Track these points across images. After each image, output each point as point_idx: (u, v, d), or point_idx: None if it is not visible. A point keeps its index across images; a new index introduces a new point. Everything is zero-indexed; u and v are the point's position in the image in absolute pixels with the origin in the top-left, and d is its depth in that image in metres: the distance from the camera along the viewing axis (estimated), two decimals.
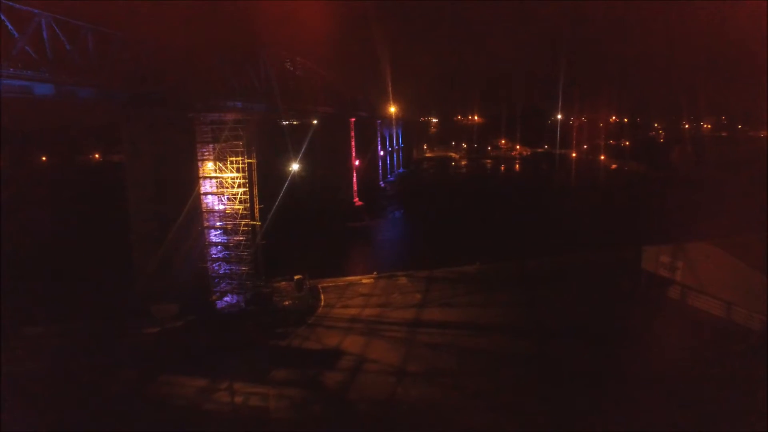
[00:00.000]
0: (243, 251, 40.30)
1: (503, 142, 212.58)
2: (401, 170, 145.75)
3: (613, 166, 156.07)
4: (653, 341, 33.33)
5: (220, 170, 39.59)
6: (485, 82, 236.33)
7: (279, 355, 32.32)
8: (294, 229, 63.45)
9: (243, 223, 39.97)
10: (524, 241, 60.96)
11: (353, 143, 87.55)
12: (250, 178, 39.85)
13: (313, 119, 77.69)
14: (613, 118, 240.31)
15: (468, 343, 33.72)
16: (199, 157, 38.59)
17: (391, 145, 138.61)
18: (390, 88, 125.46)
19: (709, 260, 36.83)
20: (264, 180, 73.35)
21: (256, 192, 40.20)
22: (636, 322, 36.28)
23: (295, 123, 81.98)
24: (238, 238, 40.04)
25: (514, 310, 39.68)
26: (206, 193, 39.36)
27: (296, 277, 43.58)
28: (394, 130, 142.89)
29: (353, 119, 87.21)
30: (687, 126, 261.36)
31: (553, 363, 31.30)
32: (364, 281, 46.48)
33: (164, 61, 37.12)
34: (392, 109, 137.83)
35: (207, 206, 39.57)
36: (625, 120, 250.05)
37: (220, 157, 39.32)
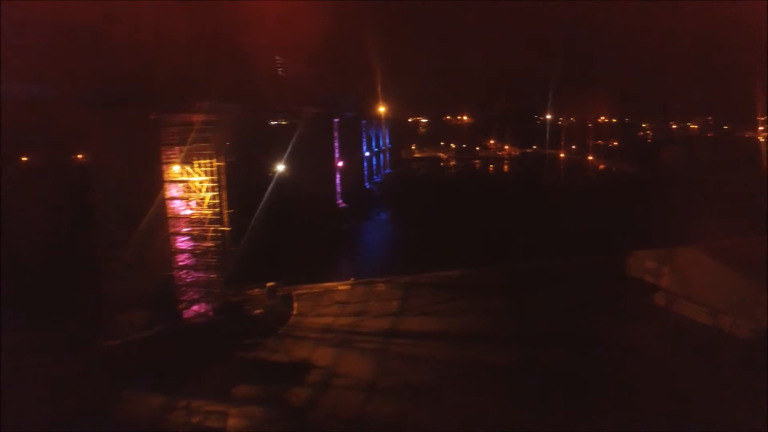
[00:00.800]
0: (212, 258, 38.53)
1: (492, 142, 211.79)
2: (388, 171, 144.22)
3: (602, 167, 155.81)
4: (637, 351, 32.21)
5: (188, 174, 37.77)
6: (475, 82, 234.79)
7: (244, 369, 30.60)
8: (275, 232, 61.93)
9: (212, 228, 38.20)
10: (510, 245, 59.86)
11: (337, 144, 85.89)
12: (219, 181, 38.07)
13: (296, 120, 76.01)
14: (602, 118, 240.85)
15: (445, 355, 32.22)
16: (164, 160, 36.74)
17: (378, 145, 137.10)
18: (377, 88, 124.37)
19: (694, 266, 35.70)
20: (246, 182, 71.83)
21: (225, 196, 38.37)
22: (620, 330, 35.11)
23: (283, 123, 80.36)
24: (206, 244, 38.26)
25: (496, 318, 38.26)
26: (172, 198, 37.51)
27: (269, 284, 41.94)
28: (381, 131, 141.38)
29: (337, 120, 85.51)
30: (674, 126, 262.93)
31: (535, 374, 29.90)
32: (340, 288, 44.83)
33: (127, 60, 35.24)
34: (379, 110, 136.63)
35: (173, 211, 37.70)
36: (614, 120, 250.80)
37: (187, 160, 37.50)
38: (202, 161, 37.69)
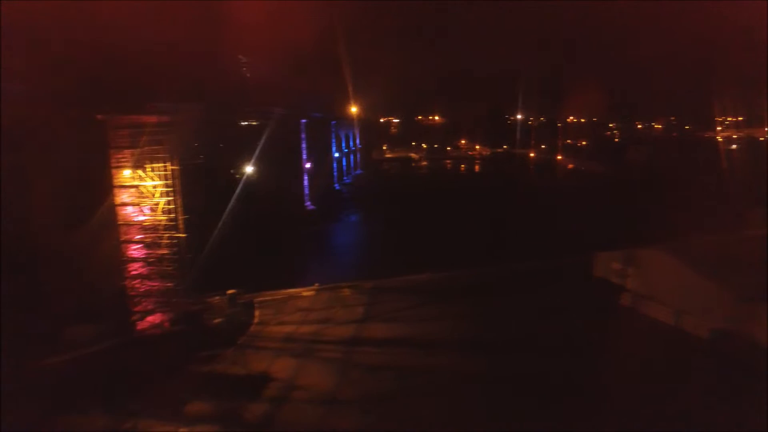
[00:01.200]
0: (167, 266, 36.78)
1: (463, 142, 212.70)
2: (359, 172, 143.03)
3: (570, 166, 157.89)
4: (604, 354, 31.97)
5: (140, 178, 35.93)
6: (446, 82, 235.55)
7: (198, 383, 29.02)
8: (239, 236, 60.02)
9: (167, 235, 36.47)
10: (478, 247, 59.48)
11: (304, 145, 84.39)
12: (174, 186, 36.33)
13: (262, 120, 74.27)
14: (572, 118, 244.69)
15: (410, 363, 31.36)
16: (114, 164, 34.85)
17: (348, 146, 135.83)
18: (347, 89, 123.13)
19: (657, 267, 35.77)
20: (210, 184, 69.69)
21: (180, 201, 36.63)
22: (587, 333, 34.91)
23: (249, 125, 78.44)
24: (161, 251, 36.50)
25: (463, 323, 37.53)
26: (123, 204, 35.62)
27: (229, 292, 40.39)
28: (352, 131, 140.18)
29: (304, 120, 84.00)
30: (640, 126, 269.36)
31: (503, 381, 29.32)
32: (304, 294, 43.55)
33: (73, 57, 33.33)
34: (350, 110, 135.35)
35: (125, 218, 35.81)
36: (583, 120, 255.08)
37: (139, 164, 35.67)
38: (155, 165, 35.90)
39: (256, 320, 38.47)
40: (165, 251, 36.65)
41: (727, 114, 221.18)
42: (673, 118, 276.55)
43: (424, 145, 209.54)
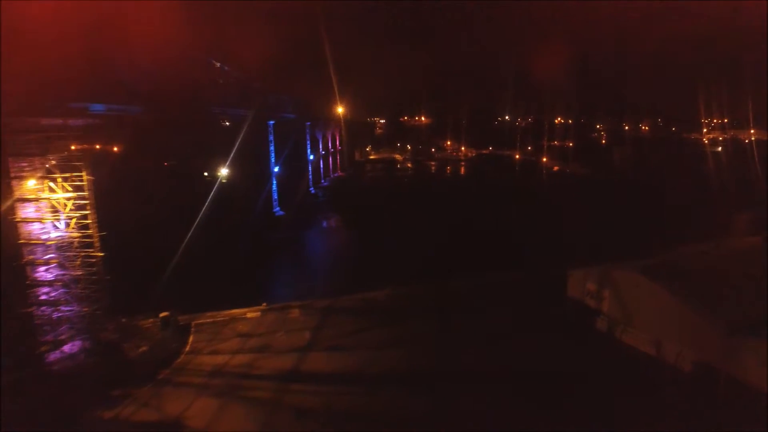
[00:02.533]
0: (84, 289, 32.46)
1: (448, 143, 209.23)
2: (338, 174, 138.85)
3: (555, 168, 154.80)
4: (576, 387, 28.17)
5: (50, 190, 31.53)
6: (431, 82, 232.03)
7: None
8: (196, 247, 55.85)
9: (83, 254, 32.15)
10: (451, 257, 55.69)
11: (272, 148, 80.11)
12: (89, 198, 32.00)
13: (224, 122, 70.04)
14: (559, 119, 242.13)
15: (348, 404, 27.34)
16: (14, 174, 30.42)
17: (327, 147, 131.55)
18: (327, 89, 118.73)
19: (634, 289, 32.00)
20: (166, 191, 65.40)
21: (94, 216, 32.26)
22: (557, 362, 31.07)
23: (215, 127, 74.06)
24: (76, 273, 32.15)
25: (419, 350, 33.53)
26: (28, 220, 31.18)
27: (162, 314, 36.21)
28: (332, 132, 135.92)
29: (272, 122, 79.69)
30: (627, 128, 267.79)
31: (458, 424, 25.39)
32: (249, 315, 39.35)
33: None
34: (330, 110, 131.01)
35: (30, 235, 31.37)
36: (570, 121, 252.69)
37: (48, 174, 31.30)
38: (68, 174, 31.55)
39: (187, 348, 34.26)
40: (81, 272, 32.33)
41: (712, 115, 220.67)
42: (659, 119, 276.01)
43: (409, 146, 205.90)
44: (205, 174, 69.09)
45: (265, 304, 40.99)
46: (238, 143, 71.46)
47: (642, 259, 36.42)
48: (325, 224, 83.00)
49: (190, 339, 35.44)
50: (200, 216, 61.12)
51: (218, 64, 61.73)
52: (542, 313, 37.69)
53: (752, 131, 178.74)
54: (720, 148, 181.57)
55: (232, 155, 71.73)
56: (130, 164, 70.88)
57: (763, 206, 61.81)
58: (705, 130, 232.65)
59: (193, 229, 58.77)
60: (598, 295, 34.52)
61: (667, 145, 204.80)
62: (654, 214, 70.73)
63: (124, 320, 36.98)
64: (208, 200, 64.45)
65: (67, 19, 35.01)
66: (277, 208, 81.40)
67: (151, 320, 37.13)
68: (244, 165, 75.35)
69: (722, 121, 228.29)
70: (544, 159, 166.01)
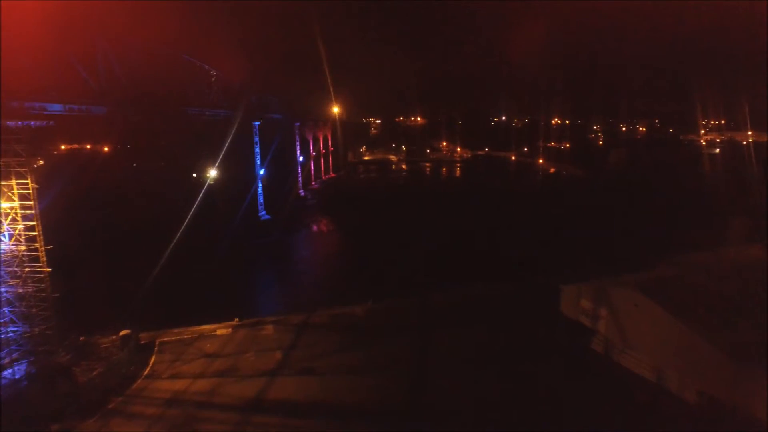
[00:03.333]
0: (32, 307, 29.64)
1: (444, 144, 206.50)
2: (330, 176, 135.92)
3: (552, 170, 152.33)
4: (572, 418, 25.49)
5: None
6: (427, 82, 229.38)
7: None
8: (174, 254, 53.14)
9: (27, 270, 29.33)
10: (440, 265, 53.17)
11: (258, 149, 77.22)
12: (35, 209, 29.20)
13: (205, 123, 67.09)
14: (555, 120, 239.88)
15: None
16: None
17: (317, 149, 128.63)
18: (320, 89, 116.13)
19: (633, 308, 29.31)
20: (145, 195, 62.62)
21: (40, 228, 29.43)
22: (551, 390, 28.28)
23: (197, 128, 71.15)
24: (20, 290, 29.32)
25: (395, 376, 30.52)
26: None
27: (123, 332, 33.39)
28: (322, 133, 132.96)
29: (258, 123, 76.78)
30: (624, 128, 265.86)
31: None
32: (219, 332, 36.54)
33: None
34: (322, 110, 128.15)
35: None
36: (567, 122, 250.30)
37: None
38: (13, 182, 28.74)
39: (146, 371, 31.45)
40: (29, 289, 29.51)
41: (709, 117, 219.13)
42: (656, 120, 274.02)
43: (403, 147, 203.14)
44: (185, 178, 66.09)
45: (237, 319, 38.21)
46: (220, 145, 68.71)
47: (639, 272, 33.85)
48: (311, 229, 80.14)
49: (152, 360, 32.63)
50: (178, 222, 58.43)
51: (197, 63, 58.96)
52: (533, 333, 34.92)
53: (750, 133, 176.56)
54: (717, 150, 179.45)
55: (213, 158, 68.95)
56: (103, 168, 68.14)
57: (762, 211, 59.40)
58: (702, 131, 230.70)
59: (170, 235, 56.08)
60: (593, 313, 31.83)
61: (664, 146, 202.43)
62: (650, 218, 68.28)
63: (82, 338, 34.20)
64: (188, 205, 61.73)
65: (25, 15, 32.32)
66: (263, 212, 78.50)
67: (112, 338, 34.29)
68: (227, 168, 72.41)
69: (719, 122, 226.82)
70: (541, 161, 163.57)
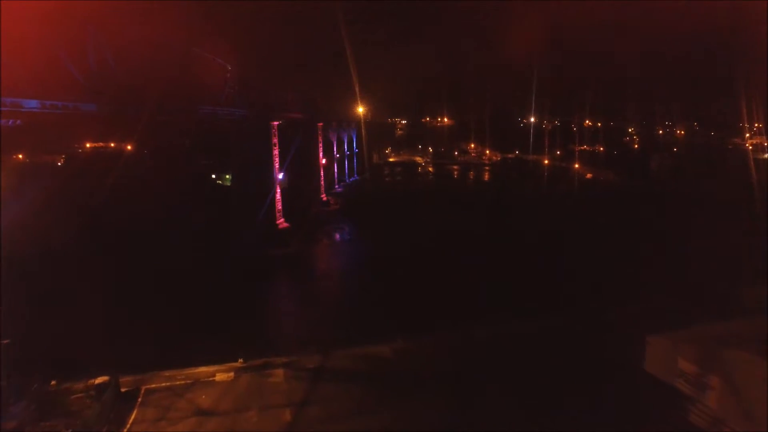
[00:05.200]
0: None
1: (472, 146, 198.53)
2: (354, 178, 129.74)
3: (588, 176, 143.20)
4: None
5: None
6: (455, 82, 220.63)
7: None
8: (182, 265, 47.90)
9: None
10: (480, 289, 46.14)
11: (277, 151, 71.12)
12: None
13: (219, 123, 61.45)
14: (587, 122, 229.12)
15: None
16: None
17: (342, 150, 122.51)
18: (344, 88, 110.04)
19: (759, 382, 21.79)
20: (151, 202, 57.39)
21: None
22: None
23: (209, 129, 65.74)
24: None
25: None
26: None
27: (98, 380, 27.40)
28: (346, 134, 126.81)
29: (277, 123, 70.70)
30: (661, 132, 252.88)
31: None
32: (218, 377, 30.31)
33: None
34: (347, 110, 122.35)
35: None
36: (599, 124, 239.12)
37: None
38: None
39: (126, 429, 25.37)
40: None
41: (753, 119, 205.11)
42: (696, 123, 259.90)
43: (430, 149, 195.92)
44: (194, 183, 60.72)
45: (241, 360, 31.93)
46: (234, 148, 63.08)
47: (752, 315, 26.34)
48: (333, 238, 73.77)
49: (132, 416, 26.56)
50: (186, 230, 53.04)
51: (210, 57, 53.26)
52: (609, 396, 27.52)
53: None
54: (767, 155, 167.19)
55: (226, 161, 63.33)
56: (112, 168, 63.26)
57: None
58: (747, 135, 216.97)
59: (175, 245, 50.74)
60: (699, 381, 24.32)
61: (708, 151, 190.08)
62: (717, 236, 59.71)
63: (53, 383, 28.44)
64: (197, 211, 56.28)
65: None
66: (281, 220, 72.43)
67: (87, 383, 28.34)
68: (242, 171, 66.83)
69: (762, 125, 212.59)
70: (576, 165, 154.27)
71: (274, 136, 70.69)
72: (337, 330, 37.41)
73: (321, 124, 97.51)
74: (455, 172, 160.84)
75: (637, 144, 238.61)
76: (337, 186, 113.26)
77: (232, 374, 30.61)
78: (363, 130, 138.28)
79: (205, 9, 55.17)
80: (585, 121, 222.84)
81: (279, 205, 72.00)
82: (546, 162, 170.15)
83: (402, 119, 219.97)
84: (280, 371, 30.89)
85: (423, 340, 34.79)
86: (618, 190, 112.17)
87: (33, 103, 30.42)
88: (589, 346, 33.06)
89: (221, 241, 58.64)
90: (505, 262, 53.34)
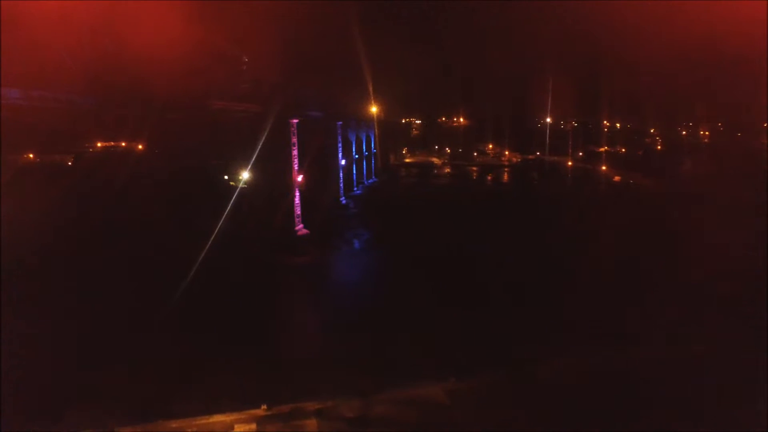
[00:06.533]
0: None
1: (491, 147, 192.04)
2: (373, 180, 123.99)
3: (616, 179, 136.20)
4: None
5: None
6: (472, 81, 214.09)
7: None
8: (193, 279, 42.78)
9: None
10: (534, 305, 40.29)
11: (295, 152, 65.50)
12: None
13: (235, 119, 56.13)
14: (606, 123, 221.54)
15: None
16: None
17: (360, 150, 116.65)
18: (361, 86, 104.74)
19: None
20: (159, 208, 52.12)
21: None
22: None
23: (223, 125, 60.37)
24: None
25: None
26: None
27: None
28: (364, 133, 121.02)
29: (296, 120, 65.06)
30: (684, 133, 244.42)
31: None
32: (237, 430, 24.64)
33: None
34: (364, 109, 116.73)
35: None
36: (617, 125, 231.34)
37: None
38: None
39: None
40: None
41: None
42: (720, 124, 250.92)
43: (447, 150, 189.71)
44: (204, 184, 55.42)
45: (264, 406, 26.20)
46: (250, 147, 57.57)
47: None
48: (356, 246, 67.99)
49: None
50: (194, 239, 47.69)
51: (224, 48, 47.90)
52: None
53: None
54: None
55: (242, 162, 57.89)
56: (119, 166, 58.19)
57: None
58: None
59: (185, 257, 45.44)
60: None
61: (740, 153, 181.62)
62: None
63: None
64: (207, 218, 50.90)
65: None
66: (300, 226, 66.82)
67: None
68: (258, 173, 61.23)
69: None
70: (603, 167, 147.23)
71: (294, 135, 65.14)
72: (376, 363, 31.61)
73: (340, 123, 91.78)
74: (476, 174, 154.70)
75: (659, 145, 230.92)
76: (355, 188, 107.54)
77: (254, 426, 24.92)
78: (380, 130, 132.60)
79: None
80: (604, 121, 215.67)
81: (298, 210, 66.46)
82: (569, 163, 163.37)
83: (417, 119, 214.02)
84: (313, 421, 25.13)
85: (482, 377, 28.92)
86: (655, 193, 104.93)
87: (14, 93, 25.17)
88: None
89: (235, 250, 53.29)
90: (561, 278, 47.11)
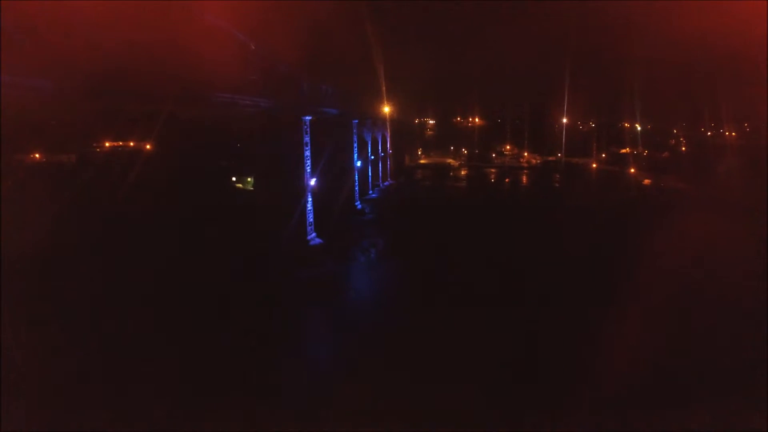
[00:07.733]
0: None
1: (509, 148, 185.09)
2: (388, 183, 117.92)
3: (646, 182, 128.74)
4: None
5: None
6: (489, 80, 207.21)
7: None
8: (193, 296, 37.40)
9: None
10: (560, 333, 34.12)
11: (308, 153, 59.62)
12: None
13: (241, 117, 50.48)
14: (626, 123, 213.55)
15: None
16: None
17: (375, 151, 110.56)
18: (376, 84, 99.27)
19: None
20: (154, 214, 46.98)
21: None
22: None
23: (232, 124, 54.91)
24: None
25: None
26: None
27: None
28: (380, 133, 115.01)
29: (309, 118, 59.20)
30: (709, 134, 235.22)
31: None
32: None
33: None
34: (379, 108, 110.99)
35: None
36: (637, 126, 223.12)
37: None
38: None
39: None
40: None
41: None
42: (746, 124, 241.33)
43: (464, 151, 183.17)
44: (210, 188, 49.95)
45: None
46: (258, 146, 51.82)
47: None
48: (373, 256, 61.83)
49: None
50: (198, 249, 42.20)
51: (228, 30, 42.19)
52: None
53: None
54: None
55: (251, 164, 52.21)
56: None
57: None
58: None
59: (185, 271, 39.92)
60: None
61: None
62: None
63: None
64: (212, 225, 45.30)
65: None
66: (313, 235, 60.80)
67: None
68: (274, 177, 55.45)
69: None
70: (632, 170, 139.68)
71: (306, 133, 59.24)
72: (405, 401, 25.62)
73: (356, 121, 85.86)
74: (496, 176, 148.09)
75: (684, 146, 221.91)
76: (371, 191, 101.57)
77: None
78: (395, 130, 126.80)
79: None
80: (624, 122, 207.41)
81: (310, 217, 60.54)
82: (594, 165, 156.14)
83: (432, 119, 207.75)
84: None
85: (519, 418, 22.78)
86: (698, 200, 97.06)
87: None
88: None
89: (241, 261, 47.81)
90: (597, 293, 40.75)
